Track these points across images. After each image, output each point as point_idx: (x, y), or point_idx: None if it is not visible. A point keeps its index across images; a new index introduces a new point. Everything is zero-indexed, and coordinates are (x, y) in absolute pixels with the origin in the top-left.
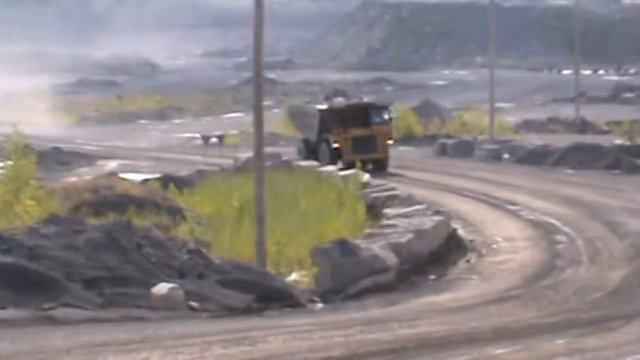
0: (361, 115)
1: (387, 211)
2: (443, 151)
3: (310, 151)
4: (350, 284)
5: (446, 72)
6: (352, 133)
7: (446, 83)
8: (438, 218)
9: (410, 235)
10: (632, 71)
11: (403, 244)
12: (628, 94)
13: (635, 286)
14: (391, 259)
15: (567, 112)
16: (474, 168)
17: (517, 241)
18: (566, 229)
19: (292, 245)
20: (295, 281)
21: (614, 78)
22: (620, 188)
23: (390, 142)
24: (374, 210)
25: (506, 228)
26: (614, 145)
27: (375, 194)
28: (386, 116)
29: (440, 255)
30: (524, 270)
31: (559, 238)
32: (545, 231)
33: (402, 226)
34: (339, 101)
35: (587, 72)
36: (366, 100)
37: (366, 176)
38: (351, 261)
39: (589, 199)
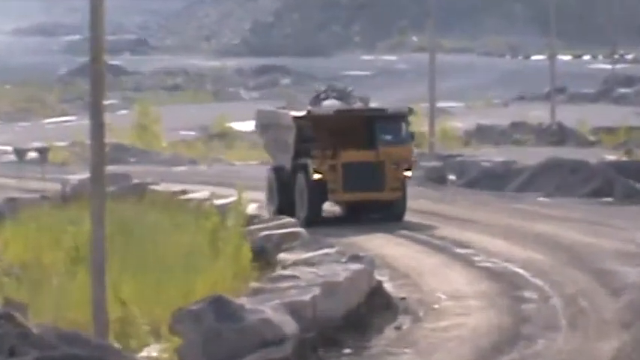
0: (361, 128)
1: (284, 256)
2: None
3: (284, 187)
4: None
5: (367, 58)
6: (345, 157)
7: (367, 74)
8: (355, 267)
9: (316, 291)
10: (629, 57)
11: (306, 304)
12: (624, 90)
13: None
14: (289, 325)
15: (539, 115)
16: (410, 195)
17: (468, 299)
18: (536, 281)
19: (147, 306)
20: (151, 358)
21: (606, 67)
22: (613, 223)
23: (408, 173)
24: (264, 255)
25: (452, 280)
26: (604, 162)
27: (265, 232)
28: (403, 131)
29: (359, 319)
30: (479, 340)
31: (527, 294)
32: (507, 284)
33: (305, 278)
34: (330, 105)
35: (567, 58)
36: (373, 105)
37: (253, 206)
38: (231, 328)
39: (569, 240)
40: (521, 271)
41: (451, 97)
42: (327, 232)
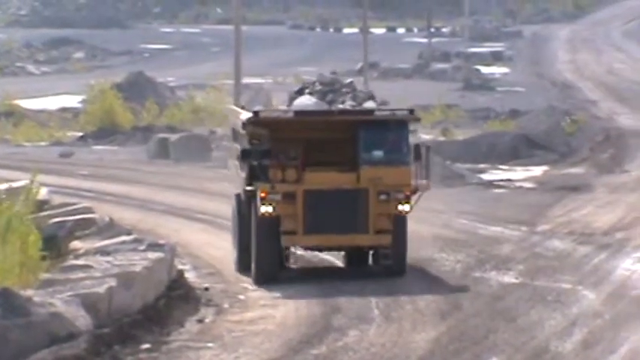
0: (338, 139)
1: (77, 244)
2: (163, 151)
3: (242, 222)
4: None
5: (168, 30)
6: (309, 180)
7: (168, 47)
8: (155, 256)
9: (111, 283)
10: (445, 30)
11: (101, 297)
12: (440, 65)
13: (451, 354)
14: (82, 319)
15: None
16: (213, 177)
17: (276, 290)
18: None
19: None
20: None
21: (421, 40)
22: (430, 207)
23: (405, 208)
24: (55, 243)
25: None
26: (420, 141)
27: (57, 219)
28: (400, 144)
29: (158, 312)
30: (287, 333)
31: (339, 284)
32: (318, 272)
33: (100, 268)
34: (300, 104)
35: (381, 31)
36: (370, 103)
37: (44, 191)
38: (17, 324)
39: None
40: (331, 258)
41: (259, 72)
42: (120, 218)
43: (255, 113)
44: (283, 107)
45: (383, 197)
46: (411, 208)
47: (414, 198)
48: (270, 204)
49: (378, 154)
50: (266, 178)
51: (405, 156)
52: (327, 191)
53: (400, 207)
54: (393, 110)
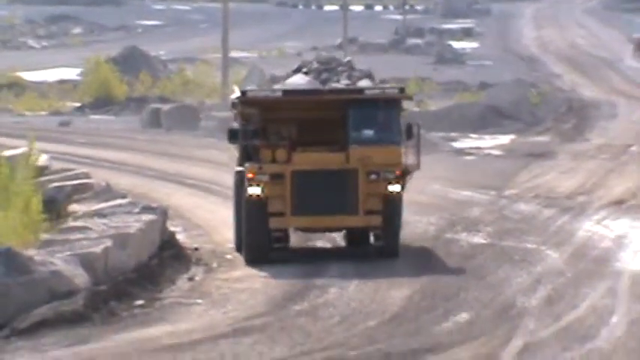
0: (327, 118)
1: (75, 207)
2: (155, 120)
3: (238, 202)
4: (19, 315)
5: (159, 7)
6: (298, 161)
7: (160, 23)
8: (148, 218)
9: (107, 243)
10: (419, 7)
11: (98, 256)
12: (414, 41)
13: (424, 310)
14: (80, 277)
15: None
16: (201, 145)
17: None
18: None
19: None
20: None
21: (397, 17)
22: None
23: (395, 188)
24: (55, 206)
25: None
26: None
27: (56, 183)
28: (390, 124)
29: (151, 270)
30: (271, 290)
31: (320, 244)
32: (299, 234)
33: (97, 229)
34: (292, 83)
35: (359, 8)
36: (366, 82)
37: (45, 157)
38: (19, 281)
39: None
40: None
41: (245, 47)
42: (116, 183)
43: (243, 93)
44: (277, 86)
45: (373, 177)
46: (403, 188)
47: (406, 178)
48: (258, 185)
49: (367, 133)
50: (257, 159)
51: (396, 135)
52: (315, 172)
53: (390, 187)
54: (384, 88)
